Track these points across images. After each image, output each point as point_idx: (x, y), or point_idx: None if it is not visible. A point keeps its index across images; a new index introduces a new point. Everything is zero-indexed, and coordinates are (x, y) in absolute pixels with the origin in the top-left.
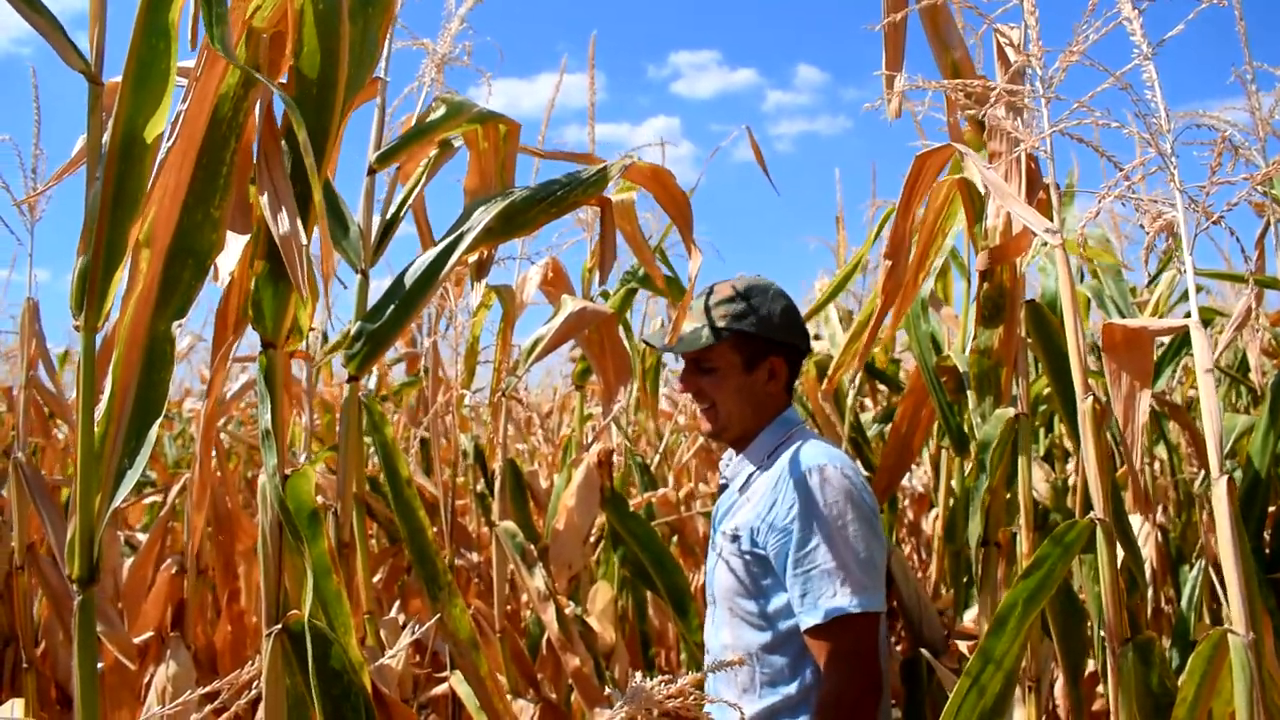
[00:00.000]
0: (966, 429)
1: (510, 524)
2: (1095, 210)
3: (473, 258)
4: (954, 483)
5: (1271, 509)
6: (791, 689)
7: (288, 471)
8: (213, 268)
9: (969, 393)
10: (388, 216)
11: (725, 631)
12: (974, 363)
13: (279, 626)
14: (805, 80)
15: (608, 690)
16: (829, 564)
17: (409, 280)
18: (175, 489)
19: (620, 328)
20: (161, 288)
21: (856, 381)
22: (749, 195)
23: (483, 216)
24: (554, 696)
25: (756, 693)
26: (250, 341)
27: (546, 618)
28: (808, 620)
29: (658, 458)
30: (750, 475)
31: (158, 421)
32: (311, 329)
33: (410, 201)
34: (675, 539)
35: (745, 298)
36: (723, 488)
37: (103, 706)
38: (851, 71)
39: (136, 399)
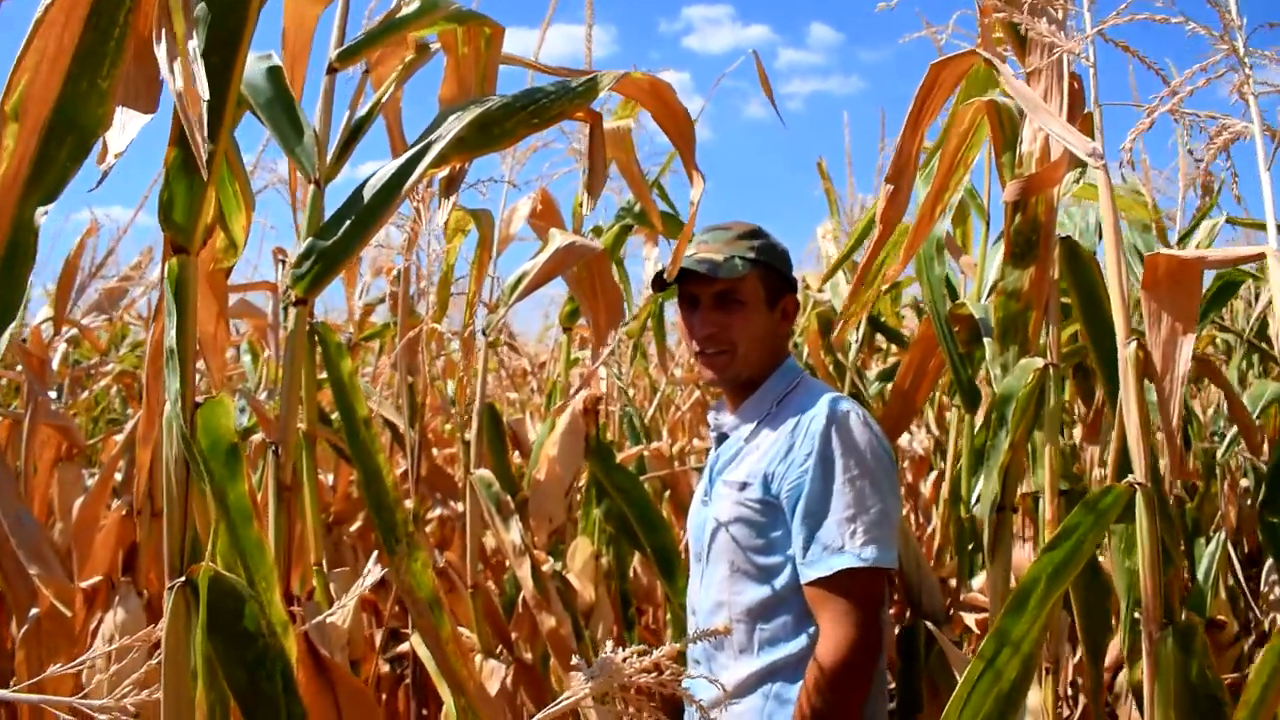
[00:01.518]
0: (978, 383)
1: (486, 472)
2: (1148, 121)
3: (442, 172)
4: (962, 442)
5: None
6: (793, 647)
7: (199, 399)
8: (100, 147)
9: (987, 342)
10: (354, 121)
11: (720, 589)
12: (999, 306)
13: (181, 579)
14: (819, 39)
15: (575, 659)
16: (843, 513)
17: (368, 193)
18: (129, 424)
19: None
20: (33, 168)
21: (860, 336)
22: (759, 152)
23: (454, 125)
24: (529, 657)
25: (755, 652)
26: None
27: (521, 574)
28: (812, 572)
29: (653, 410)
30: (757, 424)
31: (12, 326)
32: (284, 259)
33: (383, 104)
34: (667, 495)
35: (763, 236)
36: (720, 439)
37: (39, 654)
38: (865, 32)
39: None
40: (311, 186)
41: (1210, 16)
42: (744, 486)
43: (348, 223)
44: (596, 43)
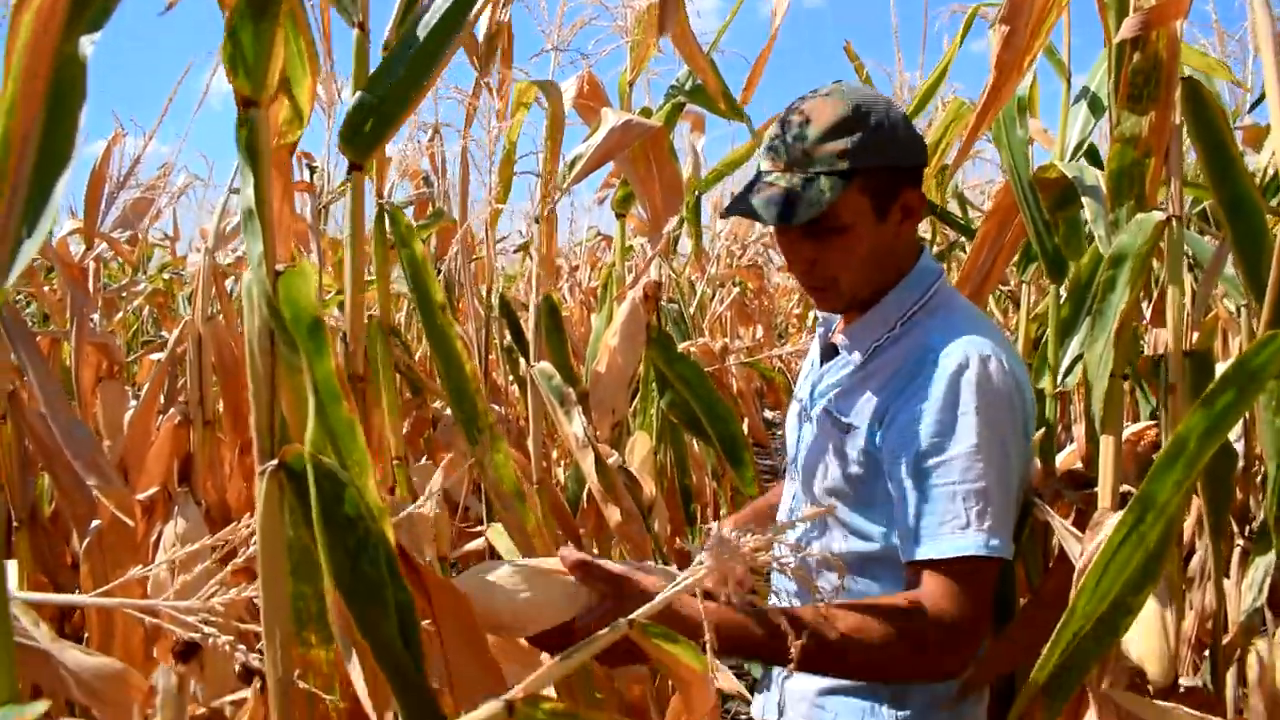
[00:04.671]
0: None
1: (547, 365)
2: None
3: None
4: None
5: None
6: None
7: (280, 267)
8: None
9: (1087, 202)
10: None
11: (808, 531)
12: (1114, 155)
13: (274, 462)
14: None
15: (681, 544)
16: (967, 486)
17: (422, 32)
18: (174, 334)
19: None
20: None
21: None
22: (779, 47)
23: None
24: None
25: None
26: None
27: (586, 466)
28: (923, 551)
29: (693, 309)
30: (876, 344)
31: (64, 175)
32: (313, 165)
33: None
34: None
35: (862, 119)
36: (828, 350)
37: (103, 566)
38: None
39: (41, 146)
40: (355, 32)
41: None
42: (850, 430)
43: (401, 69)
44: None
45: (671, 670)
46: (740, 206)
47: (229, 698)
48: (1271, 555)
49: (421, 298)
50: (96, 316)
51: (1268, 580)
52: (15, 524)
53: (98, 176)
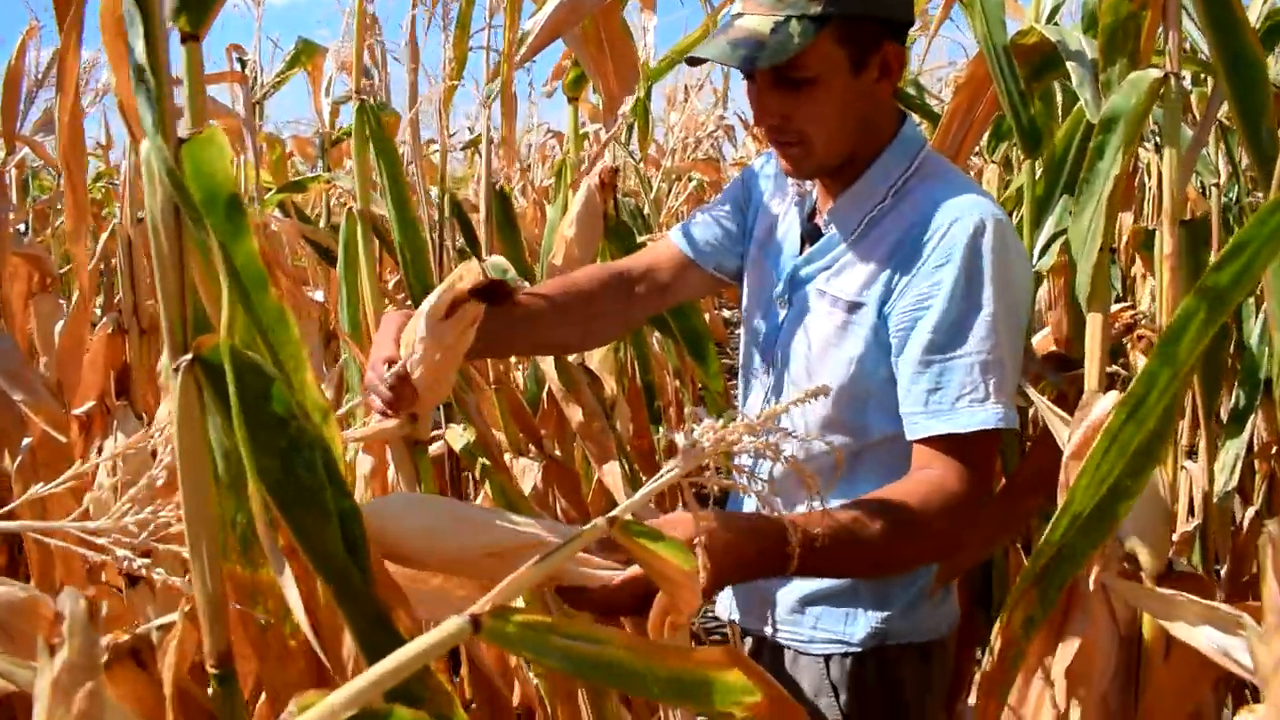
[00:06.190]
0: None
1: (500, 259)
2: None
3: None
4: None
5: None
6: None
7: (184, 135)
8: None
9: (1072, 67)
10: None
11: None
12: (1109, 9)
13: (188, 357)
14: None
15: (659, 434)
16: (985, 356)
17: None
18: (104, 235)
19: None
20: None
21: None
22: None
23: None
24: (559, 453)
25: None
26: None
27: (545, 365)
28: (939, 424)
29: (647, 207)
30: (868, 216)
31: None
32: (244, 58)
33: None
34: None
35: None
36: (810, 231)
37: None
38: None
39: None
40: None
41: None
42: (857, 308)
43: None
44: None
45: (657, 570)
46: (708, 50)
47: (156, 622)
48: (1242, 439)
49: (394, 184)
50: (24, 227)
51: (1239, 464)
52: None
53: (13, 73)
